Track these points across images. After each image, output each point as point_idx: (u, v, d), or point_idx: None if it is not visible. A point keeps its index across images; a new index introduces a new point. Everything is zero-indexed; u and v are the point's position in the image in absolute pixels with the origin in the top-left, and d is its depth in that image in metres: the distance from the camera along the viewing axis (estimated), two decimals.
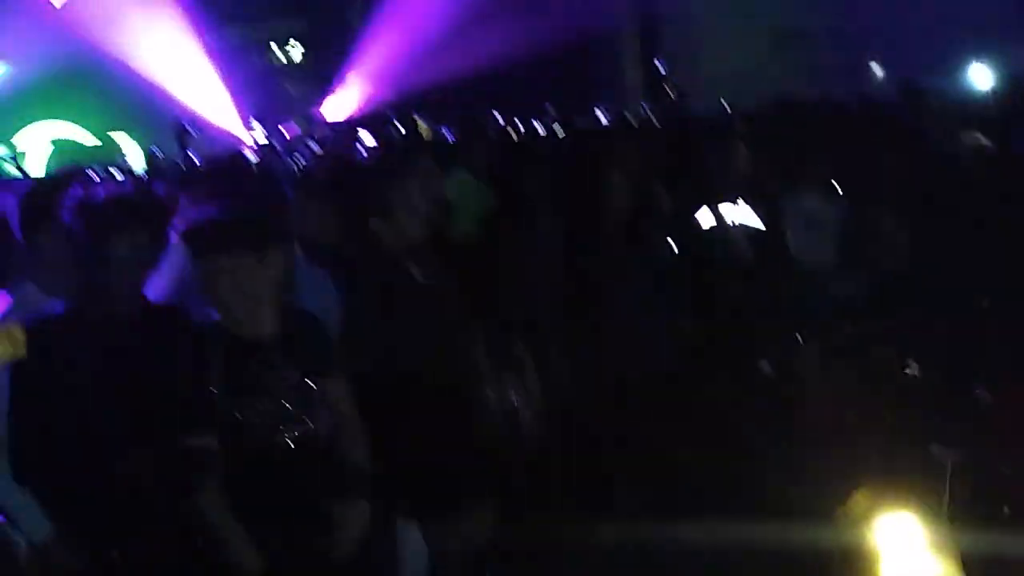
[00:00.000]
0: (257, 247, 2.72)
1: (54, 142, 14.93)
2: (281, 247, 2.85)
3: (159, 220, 4.14)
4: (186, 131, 7.55)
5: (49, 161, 14.15)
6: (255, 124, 12.20)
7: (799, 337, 4.39)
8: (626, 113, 10.02)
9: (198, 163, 7.38)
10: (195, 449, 2.66)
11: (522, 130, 9.83)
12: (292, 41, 16.54)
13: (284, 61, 16.66)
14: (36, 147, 14.61)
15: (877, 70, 12.93)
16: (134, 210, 2.95)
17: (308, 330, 2.89)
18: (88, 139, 15.18)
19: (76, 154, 13.89)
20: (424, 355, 3.22)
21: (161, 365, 2.78)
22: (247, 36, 16.45)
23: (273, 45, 16.61)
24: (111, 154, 12.96)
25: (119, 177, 9.65)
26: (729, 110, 8.74)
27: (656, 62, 13.96)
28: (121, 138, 13.74)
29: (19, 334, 2.28)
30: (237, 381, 2.68)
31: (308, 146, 10.48)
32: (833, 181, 4.94)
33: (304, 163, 8.06)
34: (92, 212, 2.87)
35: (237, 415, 2.66)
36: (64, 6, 14.71)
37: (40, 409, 2.77)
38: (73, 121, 15.22)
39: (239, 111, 14.60)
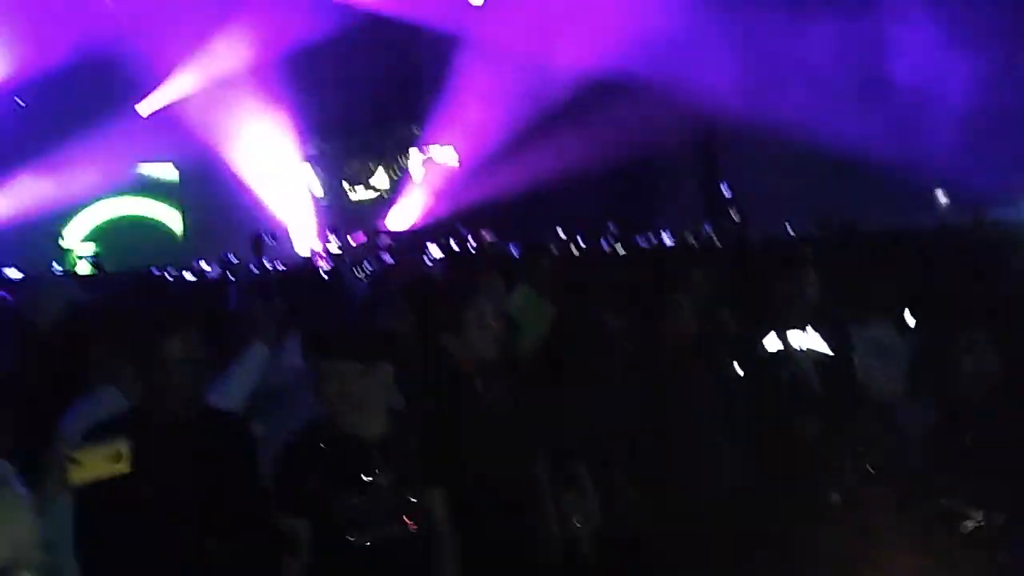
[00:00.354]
0: (364, 355, 2.85)
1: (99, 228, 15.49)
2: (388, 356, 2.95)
3: (215, 323, 4.27)
4: (262, 238, 7.80)
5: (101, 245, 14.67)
6: (330, 235, 12.56)
7: (870, 468, 4.26)
8: (688, 234, 10.09)
9: (271, 269, 7.58)
10: (286, 529, 2.76)
11: (584, 246, 9.94)
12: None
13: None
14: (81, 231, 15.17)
15: (942, 197, 12.88)
16: (186, 312, 3.07)
17: (412, 436, 2.97)
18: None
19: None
20: (486, 472, 3.21)
21: (225, 465, 2.87)
22: (331, 148, 17.17)
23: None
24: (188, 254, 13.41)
25: (190, 278, 10.00)
26: (793, 233, 8.76)
27: (720, 184, 14.11)
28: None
29: (125, 450, 2.36)
30: (337, 476, 2.79)
31: (377, 255, 10.70)
32: (904, 308, 4.88)
33: (371, 272, 8.24)
34: (148, 314, 2.99)
35: (332, 508, 2.75)
36: (151, 116, 15.60)
37: (107, 510, 2.81)
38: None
39: (316, 220, 15.13)
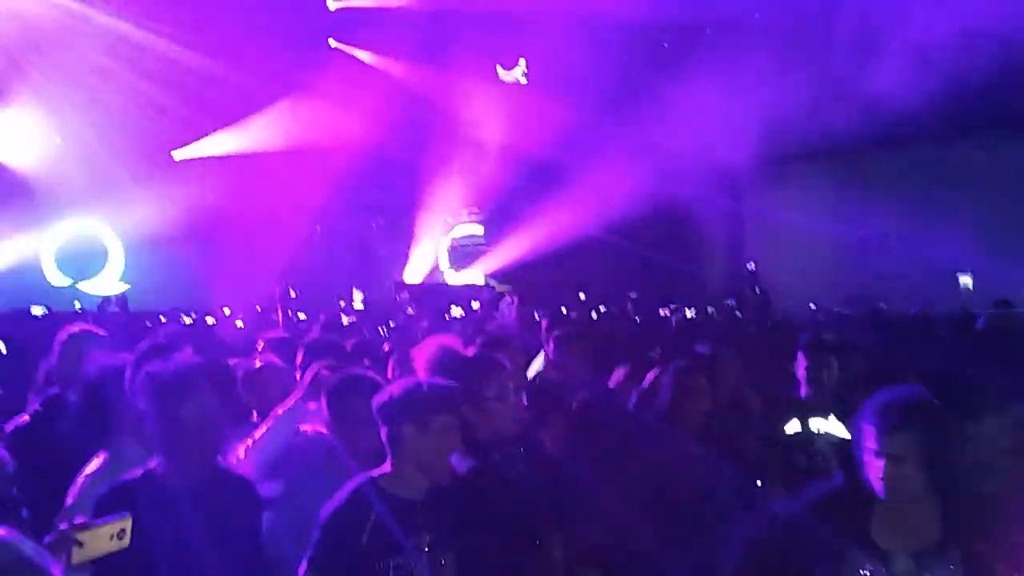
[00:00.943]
0: (458, 411, 2.92)
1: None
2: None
3: (232, 384, 4.31)
4: (287, 290, 7.85)
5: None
6: (355, 291, 12.58)
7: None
8: (711, 309, 10.06)
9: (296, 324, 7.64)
10: None
11: (605, 313, 9.94)
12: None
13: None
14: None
15: (966, 282, 12.82)
16: (204, 373, 3.08)
17: (448, 501, 3.00)
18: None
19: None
20: (500, 546, 3.19)
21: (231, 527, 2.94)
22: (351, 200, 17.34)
23: None
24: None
25: (211, 322, 10.09)
26: (816, 310, 8.73)
27: (745, 263, 14.14)
28: None
29: (128, 526, 2.41)
30: (383, 538, 2.81)
31: (401, 310, 10.72)
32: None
33: (394, 329, 8.28)
34: (164, 374, 3.01)
35: (373, 569, 2.79)
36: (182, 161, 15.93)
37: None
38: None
39: (336, 272, 15.20)
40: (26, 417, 4.06)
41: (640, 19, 12.52)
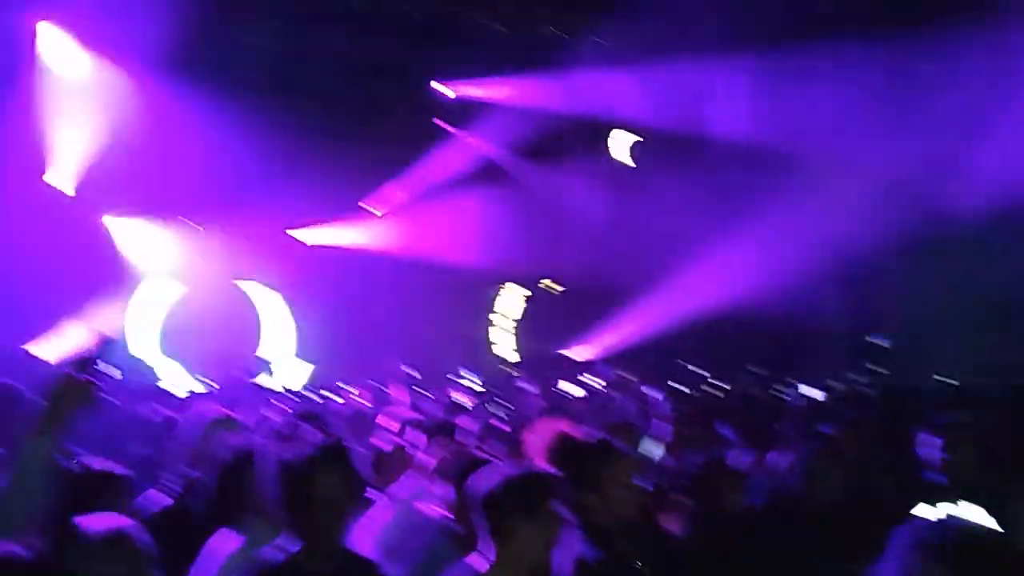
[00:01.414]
0: (564, 500, 3.00)
1: None
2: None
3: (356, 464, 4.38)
4: (406, 370, 8.00)
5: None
6: (467, 373, 12.63)
7: None
8: (836, 385, 9.70)
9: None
10: None
11: (728, 389, 9.75)
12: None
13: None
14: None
15: None
16: (331, 454, 3.13)
17: None
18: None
19: None
20: None
21: None
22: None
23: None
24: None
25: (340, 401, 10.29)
26: (948, 384, 8.32)
27: (871, 337, 13.67)
28: None
29: None
30: None
31: (517, 389, 10.73)
32: None
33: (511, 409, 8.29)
34: (293, 456, 3.09)
35: None
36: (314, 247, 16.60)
37: None
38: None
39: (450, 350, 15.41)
40: (167, 499, 4.20)
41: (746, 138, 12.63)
